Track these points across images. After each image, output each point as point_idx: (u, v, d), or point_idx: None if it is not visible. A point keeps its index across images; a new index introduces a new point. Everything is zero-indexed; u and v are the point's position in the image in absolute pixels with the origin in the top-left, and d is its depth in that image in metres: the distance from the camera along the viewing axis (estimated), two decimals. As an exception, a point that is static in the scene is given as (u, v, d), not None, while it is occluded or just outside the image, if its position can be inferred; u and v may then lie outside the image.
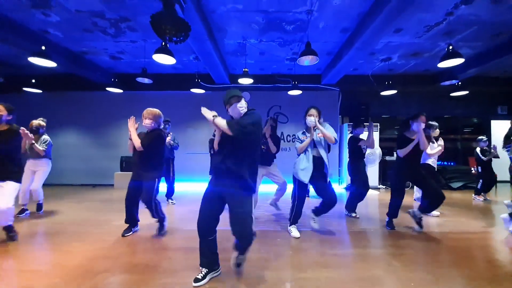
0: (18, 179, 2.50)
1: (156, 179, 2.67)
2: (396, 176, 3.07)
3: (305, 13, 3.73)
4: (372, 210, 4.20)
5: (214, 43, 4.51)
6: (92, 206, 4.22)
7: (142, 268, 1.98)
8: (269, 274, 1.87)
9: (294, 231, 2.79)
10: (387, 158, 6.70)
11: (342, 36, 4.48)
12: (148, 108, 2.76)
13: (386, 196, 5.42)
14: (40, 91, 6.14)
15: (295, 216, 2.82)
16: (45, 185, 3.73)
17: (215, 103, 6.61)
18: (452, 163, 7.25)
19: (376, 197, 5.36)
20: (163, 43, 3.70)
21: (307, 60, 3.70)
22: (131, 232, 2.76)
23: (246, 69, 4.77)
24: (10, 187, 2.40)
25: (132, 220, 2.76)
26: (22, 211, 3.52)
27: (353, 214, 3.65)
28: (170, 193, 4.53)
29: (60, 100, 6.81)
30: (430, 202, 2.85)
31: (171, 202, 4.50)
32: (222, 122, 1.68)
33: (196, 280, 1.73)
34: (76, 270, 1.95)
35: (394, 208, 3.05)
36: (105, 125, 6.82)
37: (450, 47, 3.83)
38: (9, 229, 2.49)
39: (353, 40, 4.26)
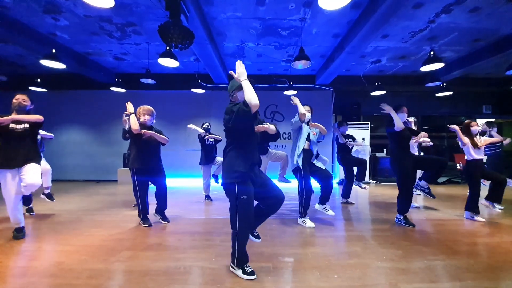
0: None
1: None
2: (403, 173, 3.01)
3: (299, 21, 4.05)
4: (362, 202, 4.56)
5: (214, 46, 4.80)
6: (100, 199, 4.53)
7: (157, 247, 2.31)
8: (266, 250, 2.22)
9: (308, 222, 2.97)
10: (378, 154, 7.09)
11: (333, 41, 4.81)
12: (143, 106, 3.01)
13: (376, 190, 5.82)
14: (45, 90, 6.37)
15: (305, 207, 3.00)
16: (63, 180, 4.02)
17: (214, 102, 6.99)
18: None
19: (367, 191, 5.73)
20: (168, 48, 3.98)
21: (300, 64, 4.03)
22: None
23: (244, 71, 5.06)
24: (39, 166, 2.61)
25: (147, 210, 3.00)
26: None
27: (349, 200, 4.23)
28: None
29: (64, 99, 7.05)
30: (436, 171, 3.06)
31: None
32: (250, 89, 1.71)
33: (252, 273, 1.78)
34: (100, 249, 2.27)
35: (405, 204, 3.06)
36: (108, 123, 7.09)
37: (432, 53, 4.19)
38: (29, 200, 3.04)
39: (343, 44, 4.59)
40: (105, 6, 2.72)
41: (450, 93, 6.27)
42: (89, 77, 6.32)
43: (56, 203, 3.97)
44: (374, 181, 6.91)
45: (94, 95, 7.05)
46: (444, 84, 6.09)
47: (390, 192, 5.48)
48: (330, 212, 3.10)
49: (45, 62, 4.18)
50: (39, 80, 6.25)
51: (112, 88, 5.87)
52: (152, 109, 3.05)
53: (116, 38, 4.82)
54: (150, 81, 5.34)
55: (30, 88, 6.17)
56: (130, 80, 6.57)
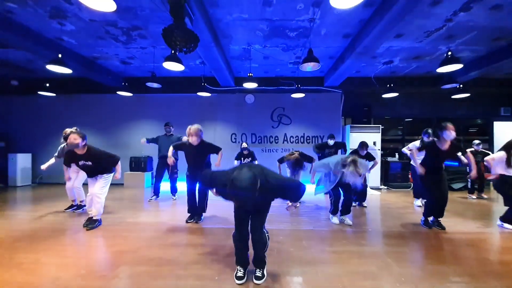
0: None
1: None
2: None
3: (307, 21, 3.89)
4: (373, 210, 4.34)
5: (219, 48, 4.70)
6: (105, 204, 4.44)
7: (158, 261, 2.19)
8: (272, 267, 2.06)
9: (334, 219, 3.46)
10: (389, 159, 6.81)
11: (344, 41, 4.62)
12: (191, 126, 3.19)
13: (388, 197, 5.56)
14: (53, 94, 6.43)
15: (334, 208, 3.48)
16: (57, 184, 4.00)
17: (220, 105, 6.89)
18: (456, 164, 7.29)
19: (378, 198, 5.49)
20: (173, 52, 3.90)
21: (309, 67, 3.86)
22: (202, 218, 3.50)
23: (250, 74, 4.95)
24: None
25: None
26: (72, 206, 4.03)
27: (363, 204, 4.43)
28: (173, 190, 5.15)
29: (72, 103, 7.09)
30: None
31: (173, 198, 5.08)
32: None
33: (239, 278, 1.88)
34: (99, 262, 2.18)
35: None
36: (115, 127, 7.09)
37: (449, 53, 3.95)
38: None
39: (354, 45, 4.39)
40: (107, 10, 2.65)
41: (467, 94, 5.95)
42: (97, 81, 6.34)
43: (60, 207, 3.93)
44: (386, 187, 6.64)
45: (101, 99, 7.07)
46: (461, 85, 5.78)
47: (404, 199, 5.23)
48: (348, 221, 3.42)
49: (52, 67, 4.17)
50: (47, 85, 6.32)
51: (119, 92, 5.85)
52: (197, 128, 3.19)
53: (122, 42, 4.78)
54: (155, 85, 5.28)
55: (39, 92, 6.23)
56: (137, 84, 6.54)
